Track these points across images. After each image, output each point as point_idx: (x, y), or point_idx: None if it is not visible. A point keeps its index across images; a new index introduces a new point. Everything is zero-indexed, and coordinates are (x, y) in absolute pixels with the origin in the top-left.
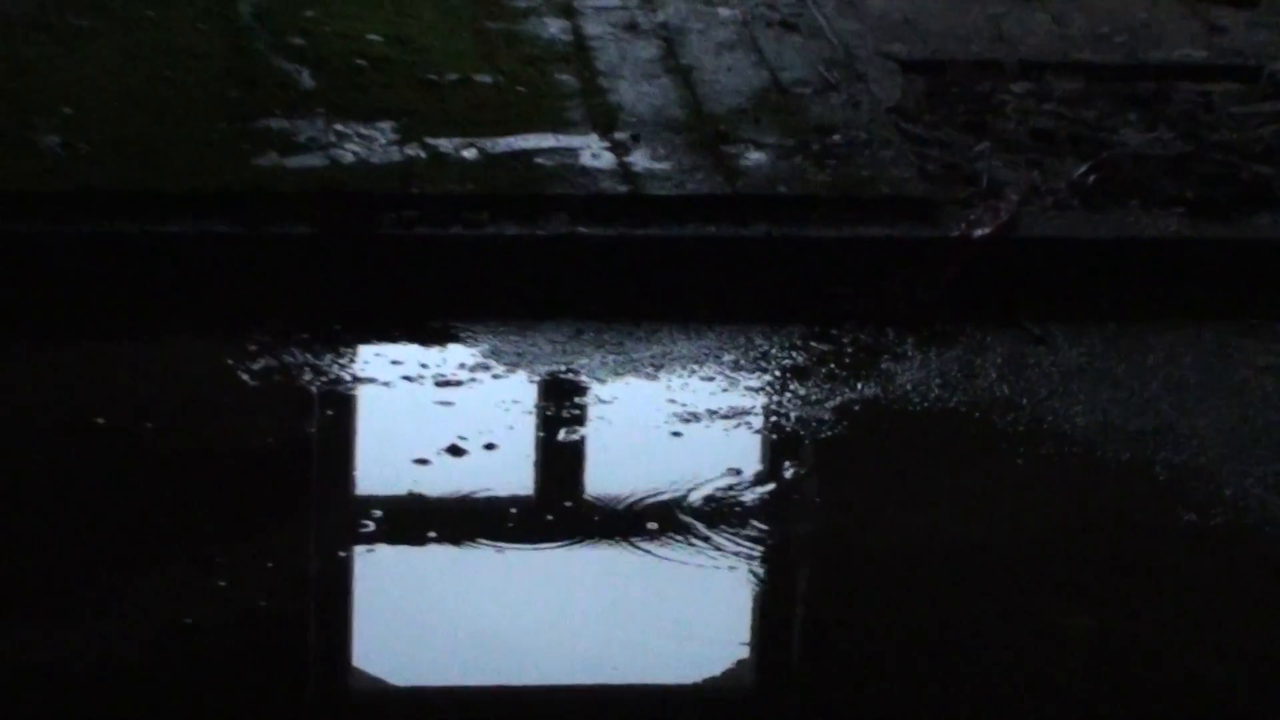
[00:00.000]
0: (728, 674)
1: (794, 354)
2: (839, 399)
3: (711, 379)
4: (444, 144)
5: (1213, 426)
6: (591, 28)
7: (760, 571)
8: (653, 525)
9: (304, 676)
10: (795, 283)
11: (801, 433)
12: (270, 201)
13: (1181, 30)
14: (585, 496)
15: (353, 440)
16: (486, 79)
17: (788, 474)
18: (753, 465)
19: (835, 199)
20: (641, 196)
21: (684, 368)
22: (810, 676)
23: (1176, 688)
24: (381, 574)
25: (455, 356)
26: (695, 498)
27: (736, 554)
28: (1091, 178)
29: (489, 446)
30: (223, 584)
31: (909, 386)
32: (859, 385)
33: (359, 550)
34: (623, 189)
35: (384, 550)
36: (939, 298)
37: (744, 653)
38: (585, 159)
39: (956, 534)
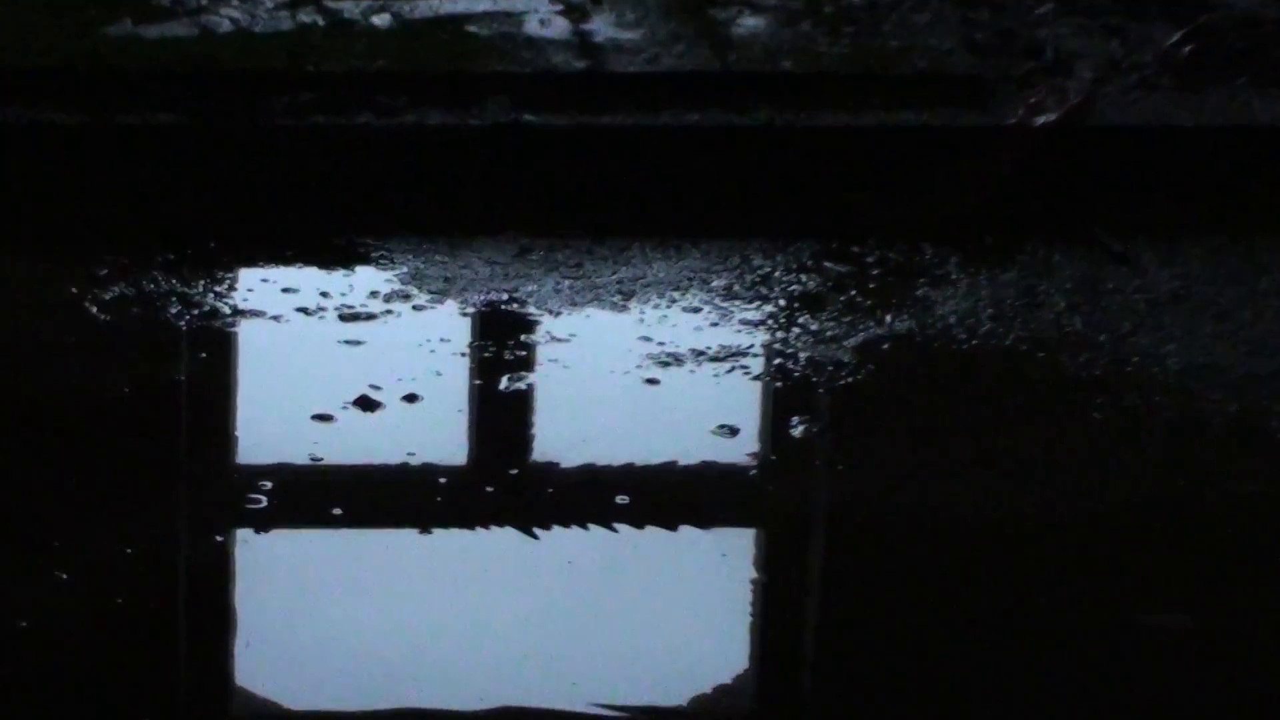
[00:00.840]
0: (722, 694)
1: (803, 278)
2: (862, 335)
3: (697, 310)
4: (348, 7)
5: None
6: None
7: (762, 558)
8: (622, 499)
9: (172, 699)
10: (805, 186)
11: (814, 379)
12: (124, 83)
13: None
14: (534, 462)
15: (234, 391)
16: None
17: (796, 432)
18: (751, 421)
19: (855, 77)
20: (604, 75)
21: (661, 296)
22: (832, 698)
23: None
24: (272, 565)
25: (365, 283)
26: (676, 463)
27: (730, 536)
28: (1187, 48)
29: (409, 398)
30: (66, 577)
31: (952, 319)
32: (887, 318)
33: (243, 534)
34: (580, 65)
35: (275, 535)
36: (990, 204)
37: (742, 665)
38: (531, 26)
39: (1015, 508)
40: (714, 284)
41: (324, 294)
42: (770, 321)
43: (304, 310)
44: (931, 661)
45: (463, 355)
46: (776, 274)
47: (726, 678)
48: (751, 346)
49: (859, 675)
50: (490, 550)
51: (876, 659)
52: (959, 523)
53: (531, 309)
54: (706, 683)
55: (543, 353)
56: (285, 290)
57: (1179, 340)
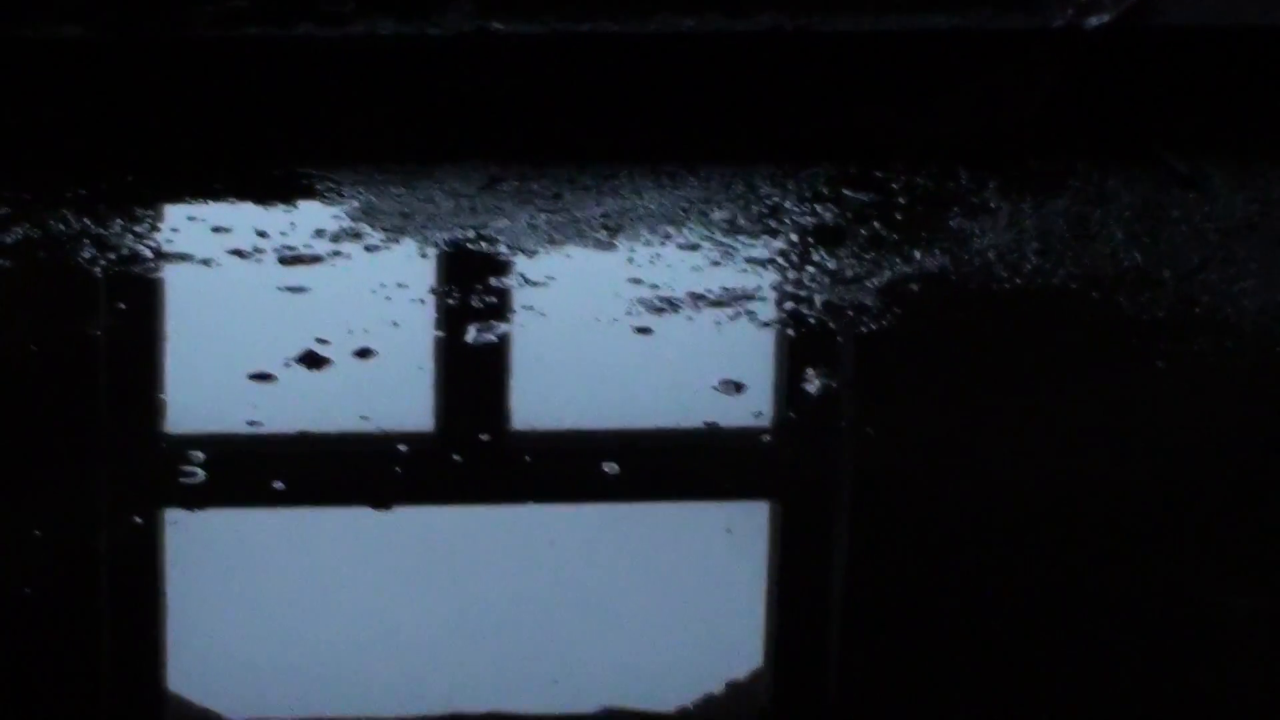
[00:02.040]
0: (731, 694)
1: (819, 208)
2: (887, 274)
3: (695, 247)
4: None
5: None
6: None
7: (774, 536)
8: (610, 469)
9: (92, 711)
10: (819, 102)
11: (832, 325)
12: None
13: None
14: (507, 427)
15: (158, 347)
16: None
17: (812, 388)
18: (759, 376)
19: None
20: None
21: (653, 231)
22: (857, 697)
23: None
24: (206, 549)
25: (309, 220)
26: (673, 426)
27: (737, 511)
28: None
29: (362, 353)
30: None
31: (992, 254)
32: (916, 253)
33: (171, 515)
34: None
35: (209, 514)
36: (1035, 121)
37: (754, 660)
38: None
39: (1067, 473)
40: (714, 217)
41: (261, 234)
42: (780, 259)
43: (238, 253)
44: (972, 655)
45: (423, 303)
46: (787, 204)
47: (736, 674)
48: (759, 289)
49: (887, 672)
50: (458, 530)
51: (907, 652)
52: (1001, 491)
53: (503, 248)
54: (712, 681)
55: (516, 298)
56: (216, 230)
57: (1255, 275)
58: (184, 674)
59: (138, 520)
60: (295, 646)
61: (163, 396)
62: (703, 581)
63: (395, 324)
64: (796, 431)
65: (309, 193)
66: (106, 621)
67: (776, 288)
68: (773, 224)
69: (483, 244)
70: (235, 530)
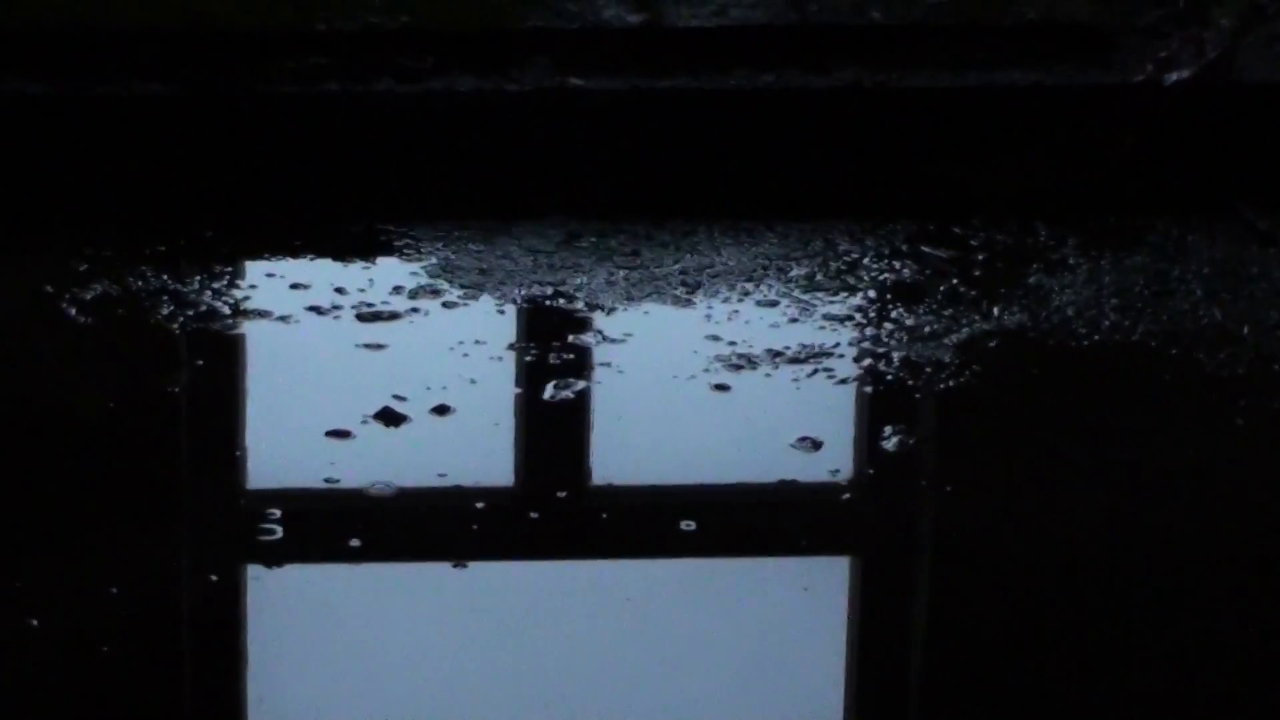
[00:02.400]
0: None
1: (897, 264)
2: (966, 331)
3: (773, 304)
4: None
5: None
6: None
7: (852, 593)
8: (688, 525)
9: None
10: (898, 158)
11: (911, 383)
12: (105, 47)
13: None
14: (586, 484)
15: (236, 404)
16: None
17: (890, 445)
18: (838, 433)
19: (956, 29)
20: (663, 30)
21: (731, 288)
22: None
23: None
24: (285, 606)
25: (388, 277)
26: (751, 483)
27: (815, 567)
28: None
29: (440, 410)
30: (43, 623)
31: (1071, 311)
32: (995, 310)
33: (249, 571)
34: (635, 19)
35: (287, 571)
36: (1114, 177)
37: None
38: None
39: (1148, 529)
40: (793, 273)
41: (339, 290)
42: (858, 316)
43: (316, 309)
44: (1052, 716)
45: (501, 360)
46: (865, 260)
47: None
48: (837, 346)
49: None
50: (535, 586)
51: (988, 713)
52: (1080, 549)
53: (581, 305)
54: None
55: (594, 355)
56: (295, 286)
57: None
58: None
59: (217, 577)
60: (374, 704)
61: (240, 453)
62: (780, 639)
63: (473, 381)
64: (874, 489)
65: (387, 249)
66: (187, 680)
67: (854, 344)
68: (851, 280)
69: (561, 300)
70: (314, 587)
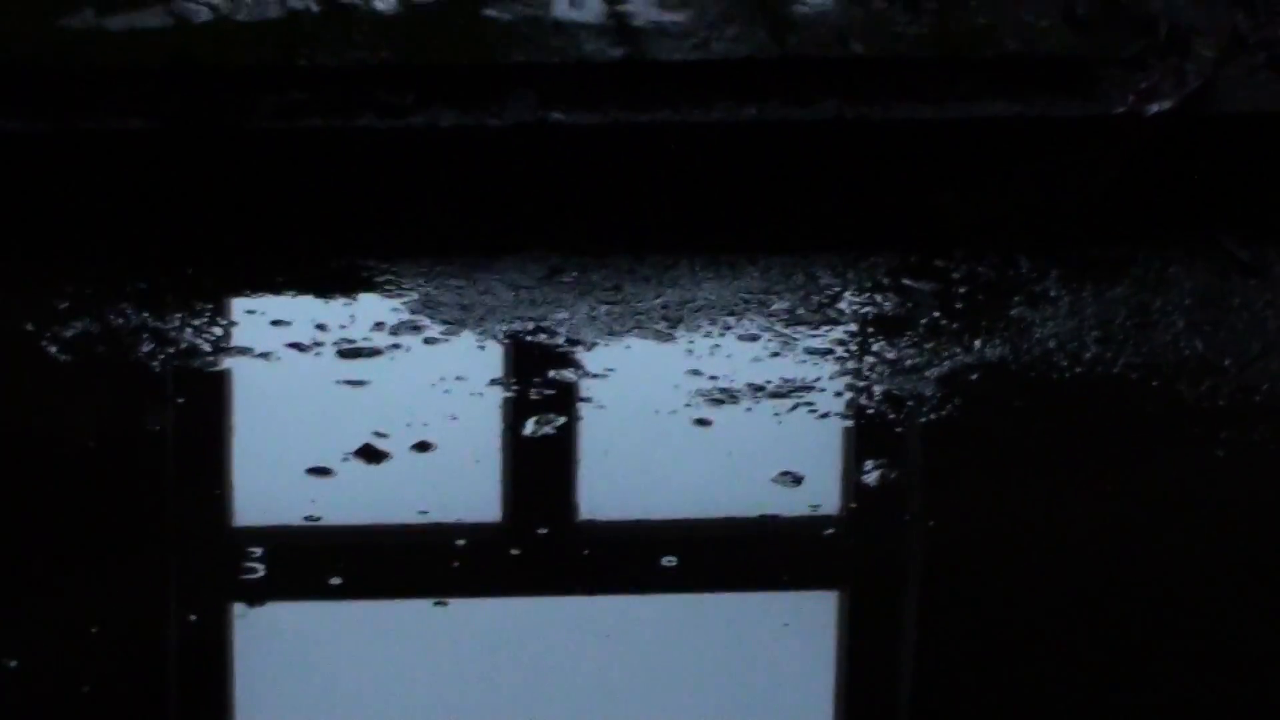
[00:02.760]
0: None
1: (879, 298)
2: (947, 364)
3: (755, 338)
4: None
5: None
6: None
7: (835, 628)
8: (669, 561)
9: None
10: (879, 190)
11: (892, 416)
12: (88, 81)
13: None
14: (568, 520)
15: (217, 442)
16: None
17: (872, 479)
18: (819, 468)
19: (937, 61)
20: (645, 64)
21: (713, 322)
22: None
23: None
24: (267, 644)
25: (369, 313)
26: (732, 518)
27: (797, 602)
28: None
29: (420, 447)
30: (17, 663)
31: (1053, 343)
32: (977, 343)
33: (229, 610)
34: (616, 52)
35: (268, 610)
36: (1096, 208)
37: None
38: (560, 8)
39: (1132, 561)
40: (774, 307)
41: (320, 327)
42: (840, 350)
43: (298, 346)
44: None
45: (482, 395)
46: (847, 294)
47: None
48: (818, 379)
49: None
50: (516, 623)
51: None
52: (1062, 581)
53: (562, 340)
54: None
55: (576, 391)
56: (276, 323)
57: None
58: None
59: (199, 616)
60: None
61: (221, 491)
62: (762, 674)
63: (454, 417)
64: (856, 523)
65: (369, 285)
66: (170, 717)
67: (836, 378)
68: (832, 314)
69: (542, 336)
70: (296, 625)
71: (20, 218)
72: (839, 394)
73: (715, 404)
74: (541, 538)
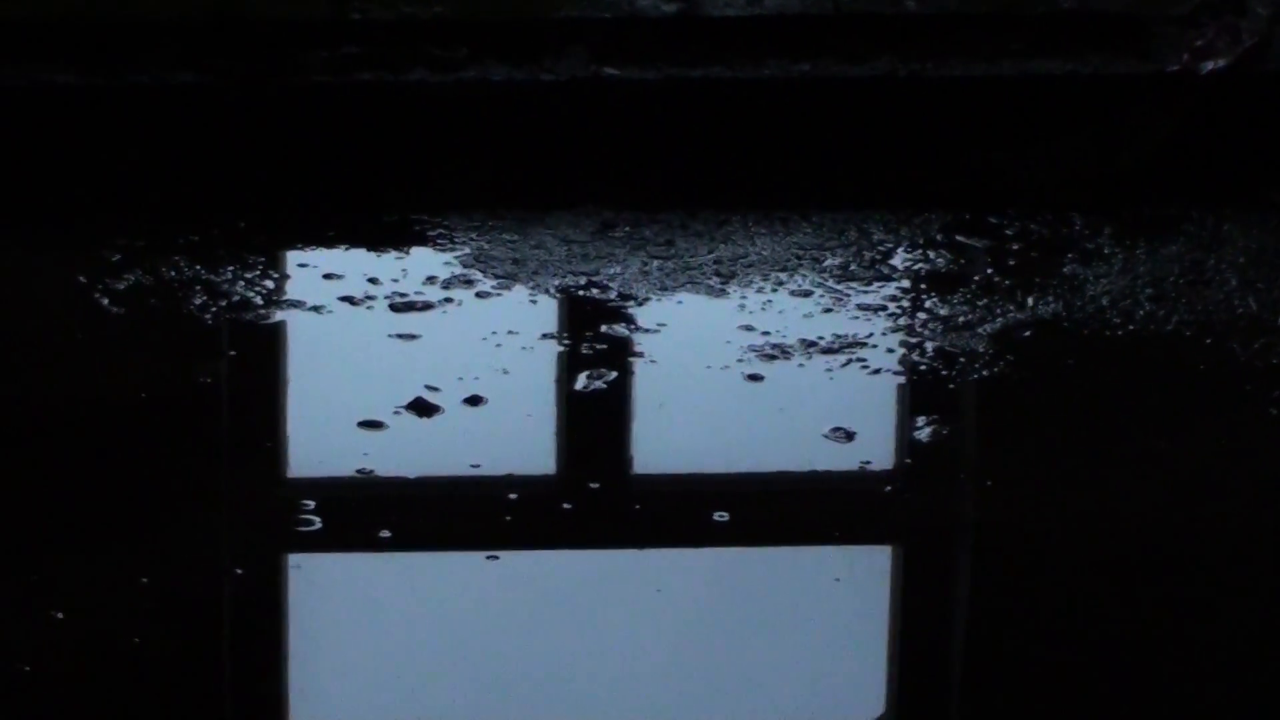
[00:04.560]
0: None
1: (931, 254)
2: (1001, 321)
3: (807, 294)
4: None
5: None
6: None
7: (887, 585)
8: (720, 517)
9: None
10: (932, 147)
11: (944, 373)
12: (138, 37)
13: None
14: (618, 474)
15: (269, 394)
16: None
17: (924, 435)
18: (871, 423)
19: (990, 18)
20: (699, 19)
21: (765, 278)
22: None
23: None
24: (321, 596)
25: (421, 267)
26: (784, 474)
27: (849, 558)
28: None
29: (472, 401)
30: (76, 615)
31: (1105, 300)
32: (1030, 300)
33: (282, 561)
34: (670, 8)
35: (319, 562)
36: (1150, 166)
37: (866, 715)
38: None
39: (1183, 519)
40: (827, 263)
41: (373, 280)
42: (893, 306)
43: (349, 300)
44: (1093, 705)
45: (534, 350)
46: (900, 250)
47: None
48: (871, 336)
49: None
50: (567, 576)
51: (1027, 704)
52: (1119, 538)
53: (614, 295)
54: None
55: (628, 346)
56: (327, 276)
57: None
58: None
59: (254, 568)
60: (414, 694)
61: (274, 444)
62: (813, 629)
63: (505, 371)
64: (908, 479)
65: (421, 239)
66: (225, 671)
67: (888, 334)
68: (885, 270)
69: (594, 291)
70: (349, 577)
71: (73, 172)
72: (891, 350)
73: (767, 359)
74: (593, 492)
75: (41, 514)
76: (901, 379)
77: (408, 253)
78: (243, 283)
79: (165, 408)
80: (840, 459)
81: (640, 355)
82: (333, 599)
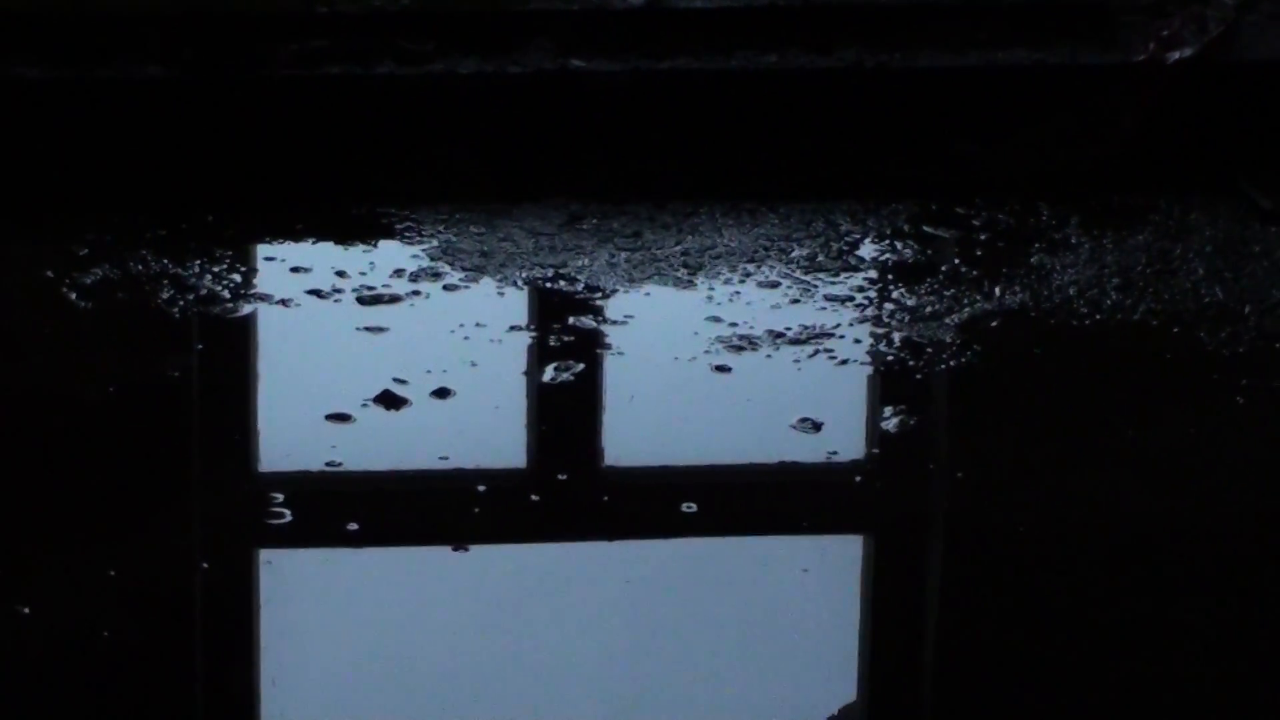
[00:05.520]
0: None
1: (899, 244)
2: (967, 311)
3: (775, 285)
4: None
5: None
6: None
7: (854, 575)
8: (689, 508)
9: None
10: (900, 138)
11: (912, 363)
12: (104, 30)
13: None
14: (587, 466)
15: (237, 388)
16: None
17: (891, 426)
18: (838, 414)
19: (957, 8)
20: (665, 11)
21: (733, 269)
22: None
23: None
24: (286, 592)
25: (389, 260)
26: (752, 464)
27: (816, 548)
28: None
29: (440, 393)
30: (27, 610)
31: (1072, 290)
32: (997, 290)
33: (252, 555)
34: (638, 0)
35: (288, 556)
36: (1116, 156)
37: (833, 705)
38: None
39: (1150, 507)
40: (794, 254)
41: (340, 273)
42: (860, 297)
43: (317, 293)
44: (1063, 694)
45: (502, 342)
46: (867, 241)
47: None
48: (838, 326)
49: (976, 713)
50: (536, 569)
51: (997, 692)
52: (1087, 528)
53: (582, 287)
54: None
55: (596, 337)
56: (295, 270)
57: None
58: (271, 716)
59: (223, 562)
60: (384, 687)
61: (242, 437)
62: (782, 620)
63: (474, 364)
64: (875, 469)
65: (389, 232)
66: (197, 665)
67: (856, 325)
68: (852, 261)
69: (562, 283)
70: (318, 570)
71: (39, 166)
72: (859, 341)
73: (735, 350)
74: (562, 484)
75: (8, 508)
76: (869, 369)
77: (375, 246)
78: (210, 276)
79: (133, 401)
80: (809, 449)
81: (608, 347)
82: (303, 592)
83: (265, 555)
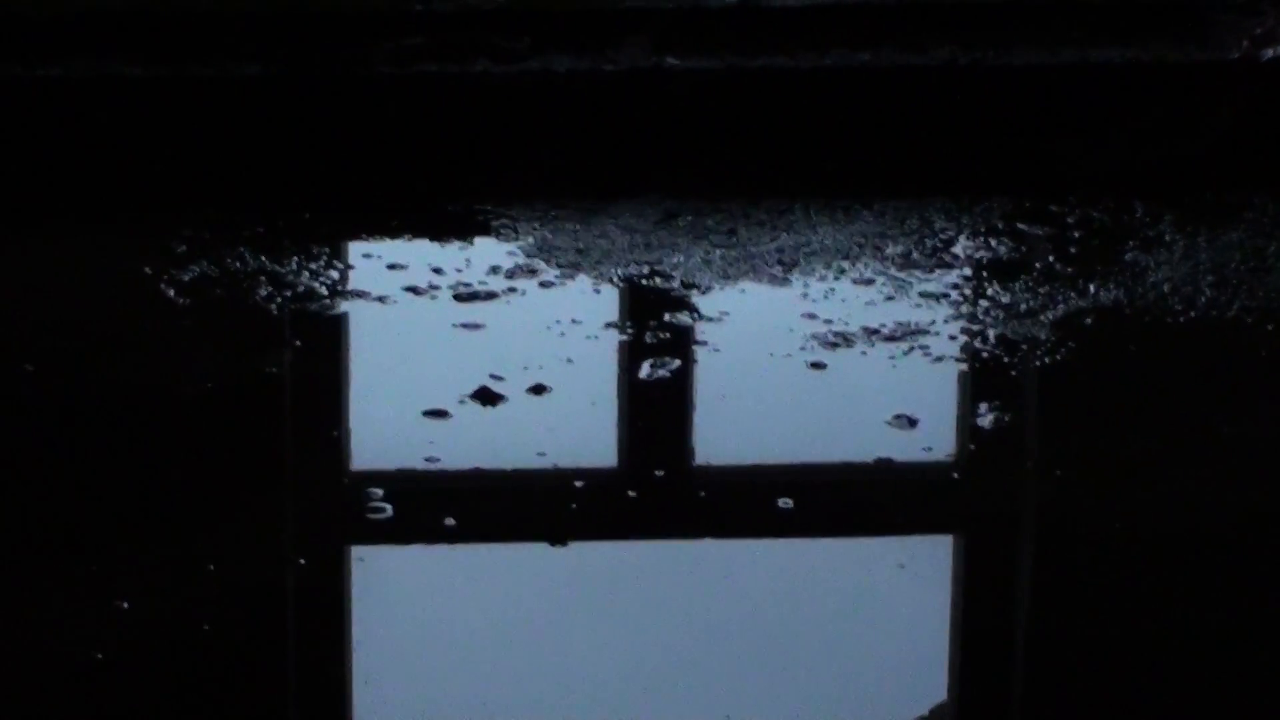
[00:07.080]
0: None
1: (993, 242)
2: (1061, 308)
3: (869, 282)
4: None
5: None
6: None
7: (950, 573)
8: (785, 504)
9: None
10: (994, 135)
11: (1006, 360)
12: (202, 29)
13: None
14: (683, 463)
15: (334, 384)
16: None
17: (986, 422)
18: (934, 411)
19: (1052, 6)
20: (760, 9)
21: (827, 266)
22: None
23: None
24: (387, 586)
25: (485, 257)
26: (847, 461)
27: (912, 546)
28: None
29: (536, 390)
30: (126, 605)
31: (1167, 287)
32: (1091, 287)
33: (349, 550)
34: None
35: (385, 553)
36: (1211, 153)
37: (929, 702)
38: None
39: (1247, 504)
40: (889, 251)
41: (437, 270)
42: (955, 294)
43: (414, 290)
44: (1160, 692)
45: (597, 339)
46: (962, 238)
47: (913, 713)
48: (933, 323)
49: (1072, 712)
50: (632, 566)
51: (1092, 691)
52: (1183, 526)
53: (677, 284)
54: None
55: (691, 334)
56: (392, 266)
57: None
58: (367, 710)
59: (322, 558)
60: (479, 684)
61: (340, 434)
62: (877, 619)
63: (569, 360)
64: (971, 466)
65: (485, 229)
66: (291, 661)
67: (950, 322)
68: (947, 258)
69: (657, 280)
70: (415, 567)
71: (138, 163)
72: (953, 338)
73: (830, 347)
74: (657, 481)
75: (109, 503)
76: (964, 366)
77: (472, 243)
78: (307, 273)
79: (231, 398)
80: (904, 446)
81: (703, 344)
82: (399, 588)
83: (364, 550)
